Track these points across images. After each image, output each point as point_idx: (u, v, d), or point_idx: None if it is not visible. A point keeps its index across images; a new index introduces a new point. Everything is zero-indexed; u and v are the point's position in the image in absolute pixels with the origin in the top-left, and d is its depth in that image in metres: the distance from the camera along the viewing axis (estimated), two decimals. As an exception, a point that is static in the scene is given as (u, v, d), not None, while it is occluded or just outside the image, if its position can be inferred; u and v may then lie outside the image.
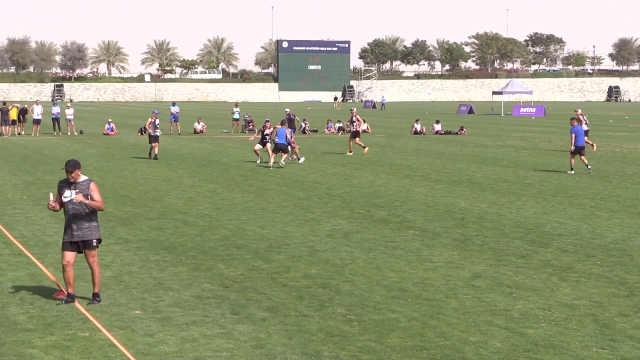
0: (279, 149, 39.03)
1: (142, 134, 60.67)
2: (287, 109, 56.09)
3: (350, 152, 45.86)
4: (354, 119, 45.87)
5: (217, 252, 19.04)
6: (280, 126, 39.33)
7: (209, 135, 62.82)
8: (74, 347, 12.18)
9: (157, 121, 43.36)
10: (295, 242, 20.14)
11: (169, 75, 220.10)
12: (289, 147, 40.10)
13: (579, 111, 48.44)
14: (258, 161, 40.71)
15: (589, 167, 36.32)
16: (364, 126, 66.32)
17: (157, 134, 43.24)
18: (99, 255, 18.56)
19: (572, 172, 35.97)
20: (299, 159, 40.95)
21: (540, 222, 23.03)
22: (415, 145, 52.06)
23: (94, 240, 14.64)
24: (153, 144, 42.93)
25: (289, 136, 39.40)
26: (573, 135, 36.30)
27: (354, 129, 45.97)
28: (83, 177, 14.54)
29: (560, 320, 13.45)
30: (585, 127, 47.06)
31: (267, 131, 41.18)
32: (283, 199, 27.93)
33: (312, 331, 12.89)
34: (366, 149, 45.48)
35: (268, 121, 42.83)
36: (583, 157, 36.37)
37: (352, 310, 14.04)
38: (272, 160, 38.83)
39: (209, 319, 13.55)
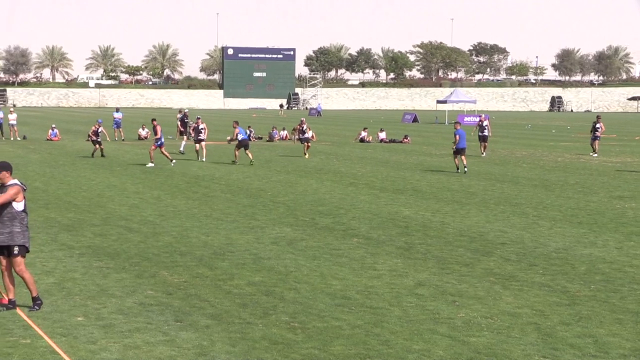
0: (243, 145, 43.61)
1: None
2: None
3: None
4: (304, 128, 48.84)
5: (161, 259, 18.93)
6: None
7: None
8: (15, 354, 12.04)
9: (100, 129, 47.87)
10: (239, 250, 20.09)
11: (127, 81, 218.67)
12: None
13: (483, 116, 54.26)
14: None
15: (466, 168, 40.13)
16: (309, 134, 66.66)
17: (99, 139, 47.59)
18: (42, 261, 18.42)
19: (459, 171, 39.92)
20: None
21: (483, 231, 23.19)
22: (360, 153, 52.19)
23: (16, 248, 14.13)
24: (96, 146, 47.23)
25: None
26: (457, 137, 39.82)
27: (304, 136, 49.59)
28: (12, 181, 14.22)
29: (503, 329, 13.55)
30: (487, 133, 52.60)
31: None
32: (227, 206, 27.86)
33: (256, 339, 12.86)
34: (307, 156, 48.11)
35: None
36: (464, 157, 40.29)
37: (296, 318, 14.04)
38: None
39: (152, 326, 13.47)
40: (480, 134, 52.41)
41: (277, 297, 15.50)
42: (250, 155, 43.61)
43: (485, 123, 52.64)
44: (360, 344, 12.69)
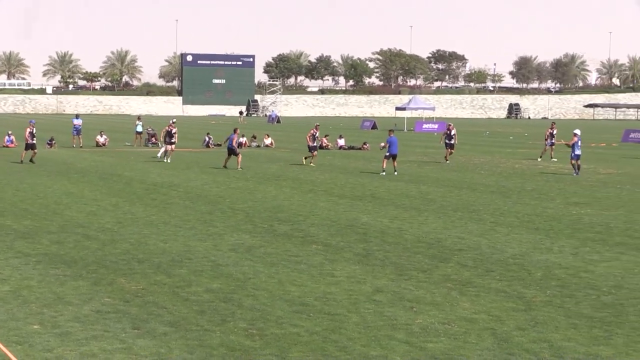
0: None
1: (50, 146, 60.94)
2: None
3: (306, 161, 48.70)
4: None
5: (119, 266, 18.85)
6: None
7: (111, 149, 62.21)
8: (-30, 363, 11.94)
9: (34, 130, 48.76)
10: (197, 257, 20.05)
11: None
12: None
13: (451, 125, 54.24)
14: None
15: (396, 172, 42.92)
16: (267, 141, 66.64)
17: (34, 142, 48.33)
18: (-3, 269, 18.29)
19: (384, 173, 42.52)
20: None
21: (441, 237, 23.29)
22: (319, 160, 52.22)
23: None
24: (29, 150, 47.93)
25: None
26: (387, 145, 43.32)
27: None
28: None
29: (460, 335, 13.63)
30: (454, 141, 52.98)
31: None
32: (186, 213, 27.79)
33: (214, 345, 12.85)
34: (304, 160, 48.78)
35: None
36: (395, 163, 43.48)
37: (254, 325, 14.04)
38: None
39: (109, 334, 13.41)
40: (447, 141, 52.60)
41: (235, 304, 15.49)
42: (238, 160, 44.74)
43: (453, 132, 52.96)
44: (318, 350, 12.71)
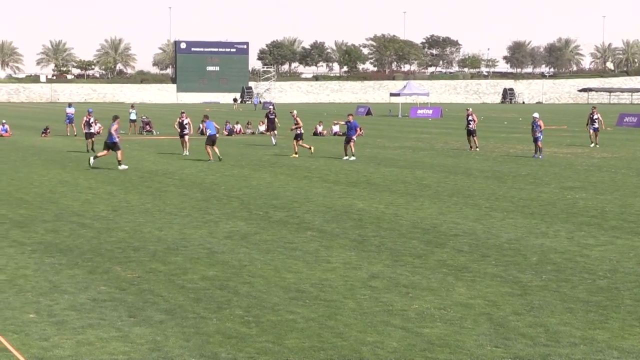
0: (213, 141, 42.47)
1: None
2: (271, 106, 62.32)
3: (296, 154, 45.81)
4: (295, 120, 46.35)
5: (114, 254, 18.85)
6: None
7: (105, 137, 62.05)
8: (-34, 352, 11.94)
9: (91, 119, 49.00)
10: (193, 244, 20.06)
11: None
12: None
13: (470, 110, 51.38)
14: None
15: (354, 157, 43.55)
16: (262, 128, 66.59)
17: (92, 131, 49.06)
18: (-7, 258, 18.28)
19: (347, 158, 43.32)
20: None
21: (436, 223, 23.31)
22: (314, 146, 52.20)
23: None
24: (88, 140, 48.28)
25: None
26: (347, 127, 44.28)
27: (298, 131, 46.17)
28: None
29: (456, 320, 13.64)
30: (473, 127, 50.52)
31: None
32: (181, 200, 27.78)
33: (210, 333, 12.86)
34: (312, 148, 46.46)
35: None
36: (352, 145, 43.93)
37: (250, 312, 14.04)
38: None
39: (105, 322, 13.41)
40: (467, 128, 50.65)
41: (231, 291, 15.49)
42: (217, 151, 42.48)
43: (470, 118, 50.19)
44: (314, 336, 12.72)
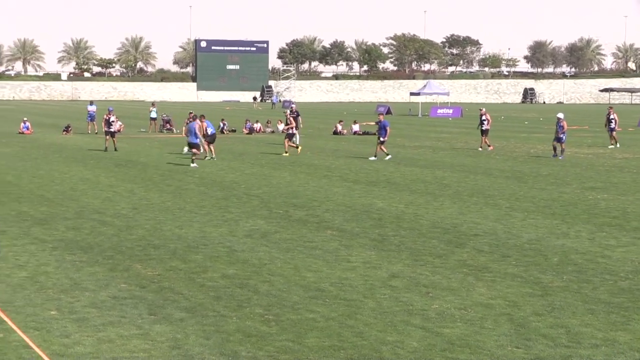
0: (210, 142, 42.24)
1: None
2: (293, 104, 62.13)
3: (286, 152, 45.56)
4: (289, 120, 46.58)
5: (134, 252, 18.89)
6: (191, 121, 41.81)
7: (126, 135, 62.21)
8: (-12, 348, 11.98)
9: (111, 117, 47.68)
10: (213, 242, 20.08)
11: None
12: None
13: (483, 110, 51.23)
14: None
15: (375, 157, 42.93)
16: (281, 126, 66.63)
17: (111, 129, 47.73)
18: (14, 254, 18.36)
19: (389, 157, 42.54)
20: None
21: (456, 222, 23.25)
22: (334, 145, 52.20)
23: None
24: (107, 138, 47.47)
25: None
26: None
27: (290, 131, 46.39)
28: None
29: (476, 320, 13.60)
30: (487, 126, 50.23)
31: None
32: (201, 199, 27.82)
33: (230, 331, 12.86)
34: (299, 148, 46.22)
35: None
36: (381, 146, 42.72)
37: (270, 311, 14.04)
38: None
39: (125, 320, 13.44)
40: (481, 127, 50.39)
41: (251, 289, 15.50)
42: (212, 150, 42.36)
43: (484, 118, 49.90)
44: (334, 335, 12.71)
